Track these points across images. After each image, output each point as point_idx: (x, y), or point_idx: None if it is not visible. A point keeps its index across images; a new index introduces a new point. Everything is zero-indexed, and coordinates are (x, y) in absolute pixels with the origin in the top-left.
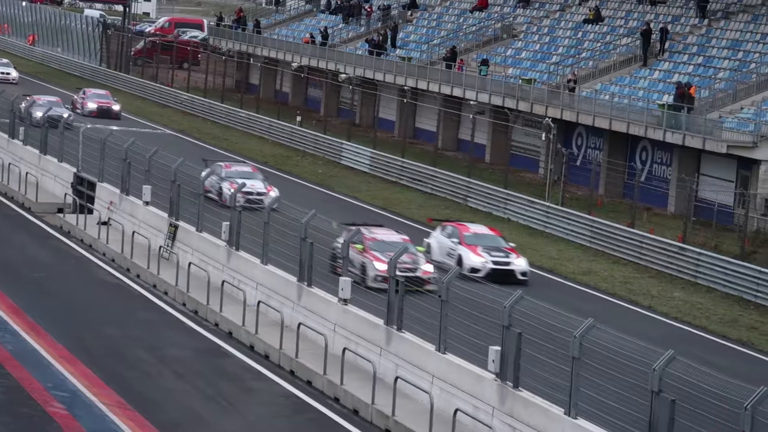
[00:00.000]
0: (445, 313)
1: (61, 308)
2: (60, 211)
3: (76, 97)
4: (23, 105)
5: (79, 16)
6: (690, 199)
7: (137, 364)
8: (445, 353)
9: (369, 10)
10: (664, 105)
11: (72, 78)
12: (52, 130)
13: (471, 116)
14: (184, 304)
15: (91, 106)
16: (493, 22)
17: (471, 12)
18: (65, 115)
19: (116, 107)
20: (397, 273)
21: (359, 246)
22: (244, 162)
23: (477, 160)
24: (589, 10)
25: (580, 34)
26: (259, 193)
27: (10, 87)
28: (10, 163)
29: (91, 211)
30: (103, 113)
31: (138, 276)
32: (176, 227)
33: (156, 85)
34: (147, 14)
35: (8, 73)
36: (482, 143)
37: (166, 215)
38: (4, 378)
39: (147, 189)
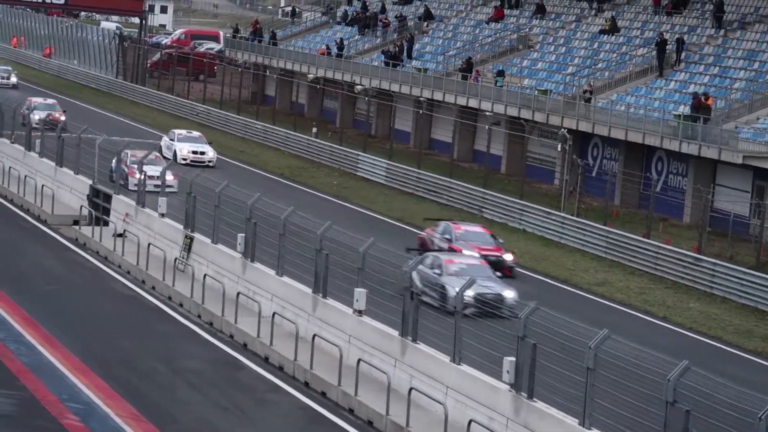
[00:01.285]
0: (460, 324)
1: (76, 320)
2: (76, 223)
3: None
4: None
5: (95, 29)
6: (706, 209)
7: (152, 375)
8: (459, 364)
9: (385, 21)
10: (680, 115)
11: (88, 90)
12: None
13: (487, 127)
14: (199, 316)
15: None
16: (508, 33)
17: (487, 23)
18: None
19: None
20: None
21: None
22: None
23: (493, 171)
24: (605, 21)
25: (596, 44)
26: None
27: (11, 92)
28: (26, 176)
29: (106, 223)
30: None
31: (153, 288)
32: (192, 239)
33: (172, 97)
34: (163, 26)
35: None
36: (498, 154)
37: (181, 227)
38: (19, 390)
39: (163, 201)
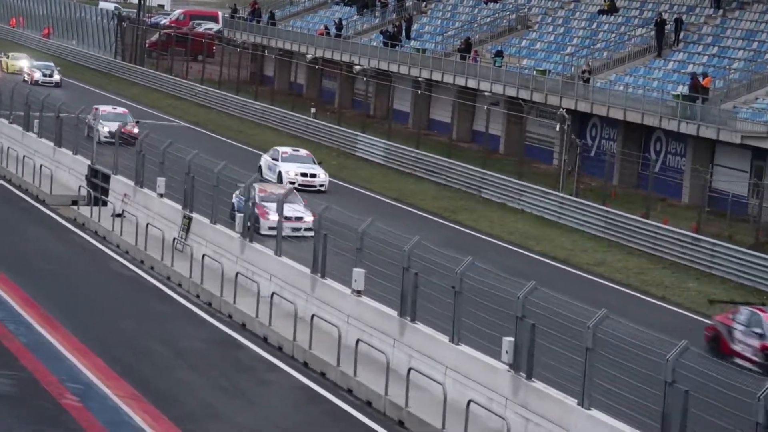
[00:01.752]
0: (459, 304)
1: (75, 300)
2: (74, 203)
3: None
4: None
5: (93, 9)
6: (704, 189)
7: (151, 356)
8: (458, 344)
9: (384, 1)
10: (678, 95)
11: (87, 71)
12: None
13: (485, 107)
14: (197, 296)
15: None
16: (507, 13)
17: (485, 3)
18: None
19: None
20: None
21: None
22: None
23: (491, 151)
24: (604, 1)
25: (594, 24)
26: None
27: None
28: (24, 156)
29: (105, 204)
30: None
31: (152, 268)
32: (190, 219)
33: (171, 77)
34: (162, 6)
35: (50, 74)
36: (497, 134)
37: (180, 207)
38: (18, 370)
39: (161, 181)
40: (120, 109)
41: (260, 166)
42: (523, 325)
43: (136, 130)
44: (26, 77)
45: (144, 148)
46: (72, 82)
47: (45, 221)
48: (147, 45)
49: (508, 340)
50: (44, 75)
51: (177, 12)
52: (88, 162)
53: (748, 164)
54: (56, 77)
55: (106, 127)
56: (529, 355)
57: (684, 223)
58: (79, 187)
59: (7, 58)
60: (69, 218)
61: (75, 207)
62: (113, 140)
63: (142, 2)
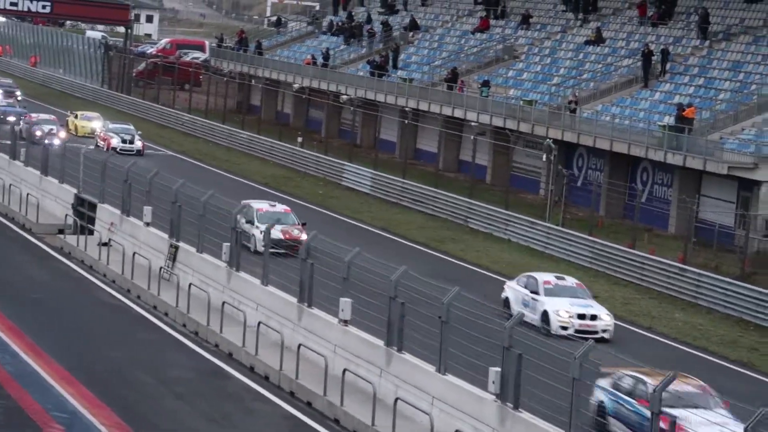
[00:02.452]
0: (446, 333)
1: (61, 329)
2: (61, 232)
3: None
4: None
5: (81, 38)
6: (691, 220)
7: (137, 385)
8: (445, 374)
9: (371, 31)
10: (665, 126)
11: (73, 99)
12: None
13: (472, 137)
14: (184, 325)
15: None
16: (494, 43)
17: (472, 33)
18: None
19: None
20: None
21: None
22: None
23: (478, 181)
24: (591, 32)
25: (581, 55)
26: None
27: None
28: (11, 184)
29: (91, 232)
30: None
31: (138, 297)
32: (177, 248)
33: (157, 106)
34: (149, 35)
35: (130, 140)
36: (483, 164)
37: (166, 236)
38: (4, 399)
39: (148, 210)
40: (280, 207)
41: (506, 299)
42: (510, 355)
43: (303, 236)
44: (100, 142)
45: (130, 177)
46: (58, 111)
47: (31, 250)
48: (134, 74)
49: (494, 370)
50: (123, 141)
51: (164, 41)
52: (75, 191)
53: (734, 195)
54: (138, 144)
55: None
56: (515, 386)
57: (670, 253)
58: (66, 215)
59: (76, 117)
60: (55, 247)
61: (61, 236)
62: (278, 250)
63: (128, 31)
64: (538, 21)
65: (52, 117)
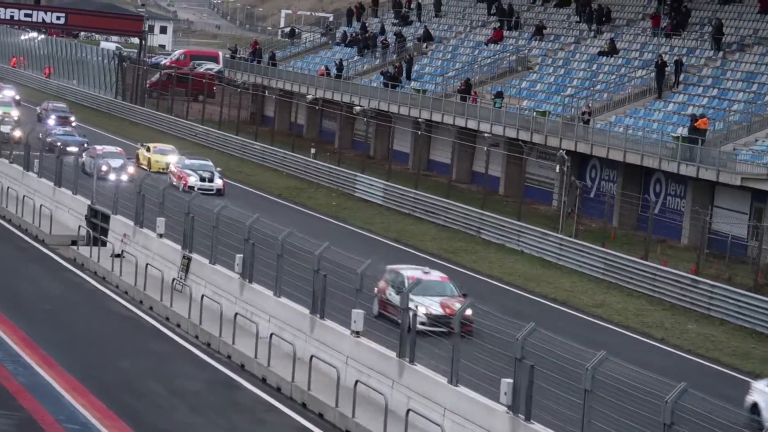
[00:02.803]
0: (458, 345)
1: (74, 341)
2: (74, 243)
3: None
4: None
5: (94, 49)
6: (704, 231)
7: (149, 396)
8: (457, 386)
9: (384, 42)
10: (678, 137)
11: (87, 110)
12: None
13: (485, 148)
14: (196, 337)
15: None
16: (507, 54)
17: (486, 44)
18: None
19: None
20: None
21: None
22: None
23: (491, 192)
24: (605, 43)
25: (594, 66)
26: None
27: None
28: (25, 196)
29: (104, 244)
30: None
31: (151, 308)
32: (189, 260)
33: (171, 117)
34: (162, 47)
35: (209, 178)
36: (496, 175)
37: (179, 248)
38: (17, 410)
39: (161, 221)
40: (436, 274)
41: (755, 405)
42: (522, 366)
43: (469, 312)
44: (174, 180)
45: (143, 189)
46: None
47: (44, 261)
48: (148, 85)
49: (506, 382)
50: (202, 179)
51: (178, 52)
52: (88, 202)
53: (747, 206)
54: (218, 182)
55: (422, 306)
56: (527, 397)
57: (683, 264)
58: (79, 227)
59: (148, 150)
60: (68, 258)
61: (74, 247)
62: (437, 328)
63: (142, 42)
64: (551, 32)
65: (119, 150)
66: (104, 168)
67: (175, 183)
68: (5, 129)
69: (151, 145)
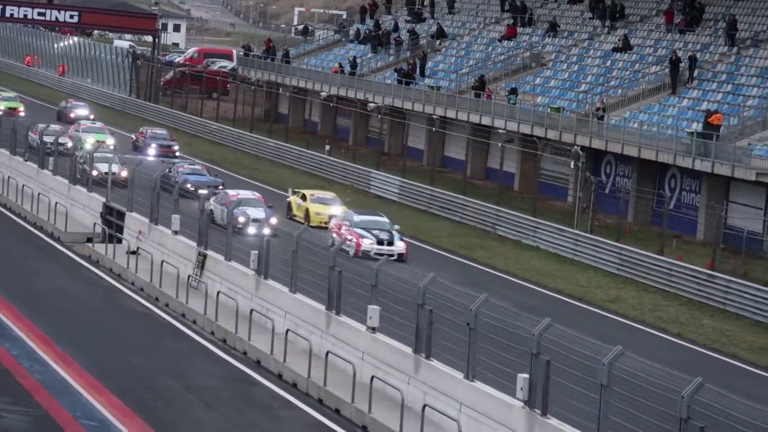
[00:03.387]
0: (474, 340)
1: (90, 337)
2: (89, 240)
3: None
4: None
5: (108, 47)
6: (719, 226)
7: (165, 393)
8: (473, 381)
9: (398, 39)
10: (693, 133)
11: (101, 108)
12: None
13: (500, 144)
14: (212, 333)
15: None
16: (521, 51)
17: (499, 41)
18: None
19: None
20: None
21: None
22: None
23: (506, 188)
24: (618, 39)
25: (608, 62)
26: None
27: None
28: (39, 193)
29: (120, 241)
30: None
31: (167, 305)
32: (205, 256)
33: (185, 115)
34: (176, 44)
35: (388, 242)
36: (511, 171)
37: (194, 244)
38: (33, 407)
39: (176, 218)
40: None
41: None
42: (538, 361)
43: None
44: (336, 239)
45: (159, 186)
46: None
47: (60, 258)
48: (162, 83)
49: (523, 377)
50: (379, 242)
51: (191, 50)
52: (103, 199)
53: (762, 201)
54: (399, 244)
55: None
56: (543, 392)
57: (699, 260)
58: (94, 224)
59: (303, 199)
60: (84, 255)
61: (90, 244)
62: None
63: (156, 40)
64: (565, 28)
65: (258, 195)
66: (241, 219)
67: (340, 243)
68: (103, 167)
69: (306, 192)
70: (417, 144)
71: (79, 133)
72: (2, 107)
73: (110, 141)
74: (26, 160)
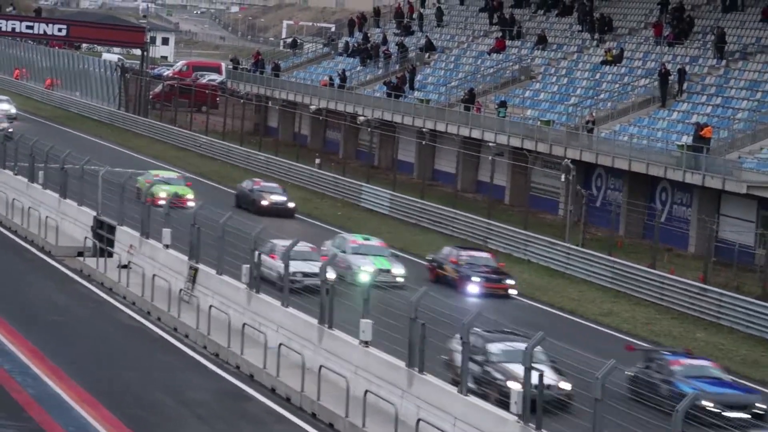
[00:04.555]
0: (467, 355)
1: (82, 352)
2: (80, 254)
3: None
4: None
5: (97, 60)
6: (711, 239)
7: (158, 407)
8: (467, 395)
9: (387, 52)
10: (683, 146)
11: (90, 122)
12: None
13: (490, 158)
14: (204, 347)
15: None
16: (510, 63)
17: (488, 54)
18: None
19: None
20: None
21: None
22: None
23: (496, 201)
24: (606, 52)
25: (598, 75)
26: None
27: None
28: (30, 207)
29: (111, 255)
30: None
31: (159, 319)
32: (196, 270)
33: (175, 128)
34: (165, 58)
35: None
36: (501, 185)
37: (186, 258)
38: (26, 422)
39: (167, 232)
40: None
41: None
42: (531, 375)
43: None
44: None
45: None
46: (75, 133)
47: (51, 272)
48: (150, 96)
49: (517, 391)
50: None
51: (180, 63)
52: (94, 213)
53: (754, 214)
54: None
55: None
56: (537, 406)
57: (691, 273)
58: (85, 238)
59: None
60: (75, 269)
61: (81, 258)
62: None
63: (144, 54)
64: (554, 41)
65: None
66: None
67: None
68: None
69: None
70: (407, 157)
71: (347, 257)
72: (163, 194)
73: (399, 270)
74: (16, 174)
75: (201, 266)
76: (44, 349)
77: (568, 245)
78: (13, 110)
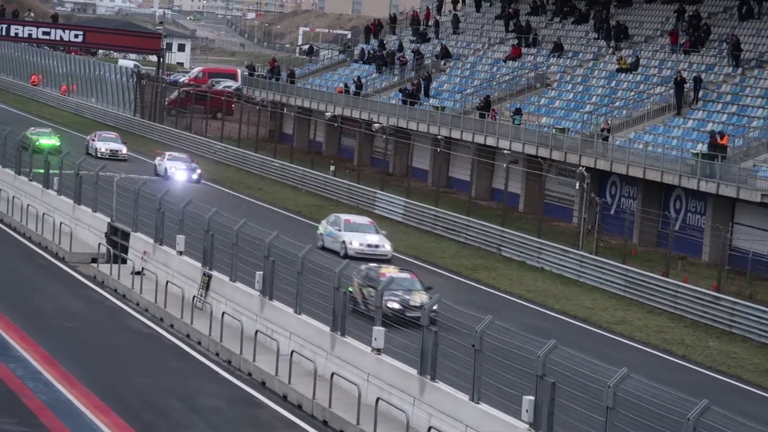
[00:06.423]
0: (479, 362)
1: (95, 358)
2: (94, 260)
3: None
4: None
5: (113, 67)
6: (724, 248)
7: (170, 413)
8: (478, 403)
9: (403, 59)
10: (698, 154)
11: (105, 128)
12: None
13: (505, 165)
14: (217, 354)
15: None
16: (526, 71)
17: (504, 61)
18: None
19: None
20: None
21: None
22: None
23: (511, 209)
24: (621, 59)
25: (613, 83)
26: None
27: None
28: (44, 213)
29: (125, 261)
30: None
31: (171, 326)
32: (210, 277)
33: (190, 134)
34: (181, 64)
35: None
36: (516, 192)
37: (199, 265)
38: (38, 428)
39: (181, 239)
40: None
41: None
42: (543, 383)
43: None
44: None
45: (163, 206)
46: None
47: (64, 279)
48: (166, 103)
49: (528, 399)
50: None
51: (196, 70)
52: (108, 219)
53: None
54: (387, 247)
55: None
56: (549, 414)
57: (704, 281)
58: (99, 244)
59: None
60: (88, 276)
61: (94, 264)
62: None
63: (161, 60)
64: (569, 49)
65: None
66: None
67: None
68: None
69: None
70: (422, 164)
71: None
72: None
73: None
74: (31, 180)
75: (214, 273)
76: (57, 355)
77: (581, 253)
78: (124, 150)
